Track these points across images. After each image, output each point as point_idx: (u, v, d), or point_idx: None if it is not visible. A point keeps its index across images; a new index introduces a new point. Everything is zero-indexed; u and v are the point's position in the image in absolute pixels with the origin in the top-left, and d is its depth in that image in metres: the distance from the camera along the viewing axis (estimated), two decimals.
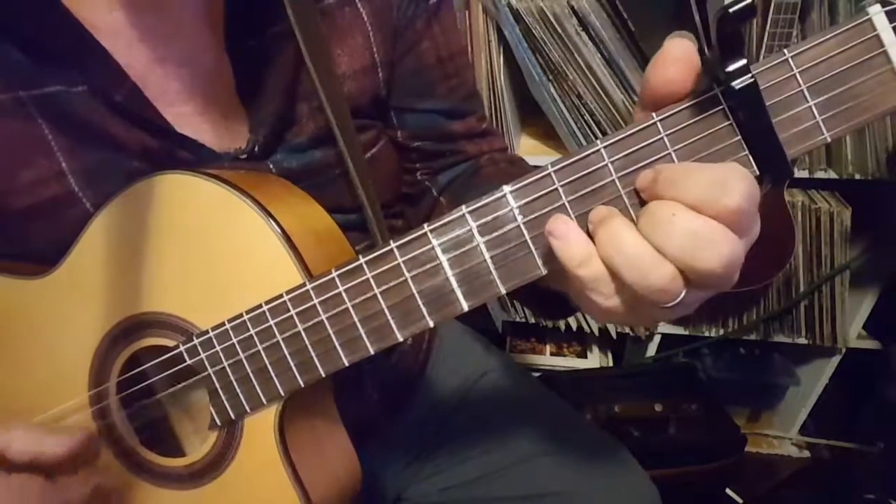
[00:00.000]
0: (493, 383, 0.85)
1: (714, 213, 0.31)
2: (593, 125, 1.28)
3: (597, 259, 0.35)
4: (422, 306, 0.41)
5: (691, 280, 0.33)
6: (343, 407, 0.55)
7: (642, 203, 0.35)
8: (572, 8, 1.18)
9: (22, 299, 0.53)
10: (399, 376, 0.77)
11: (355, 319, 0.42)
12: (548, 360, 1.75)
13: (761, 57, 1.16)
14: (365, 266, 0.41)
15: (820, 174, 1.30)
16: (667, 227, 0.32)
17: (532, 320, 1.65)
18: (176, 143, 0.51)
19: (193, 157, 0.52)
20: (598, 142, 0.35)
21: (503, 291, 0.39)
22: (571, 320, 1.61)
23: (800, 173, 1.31)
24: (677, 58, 0.33)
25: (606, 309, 0.37)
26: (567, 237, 0.35)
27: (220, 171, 0.47)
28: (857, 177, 1.28)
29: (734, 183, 0.31)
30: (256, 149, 0.54)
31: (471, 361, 0.87)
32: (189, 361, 0.48)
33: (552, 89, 1.27)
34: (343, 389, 0.54)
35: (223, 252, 0.47)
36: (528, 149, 1.42)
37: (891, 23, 0.30)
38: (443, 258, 0.39)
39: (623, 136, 0.35)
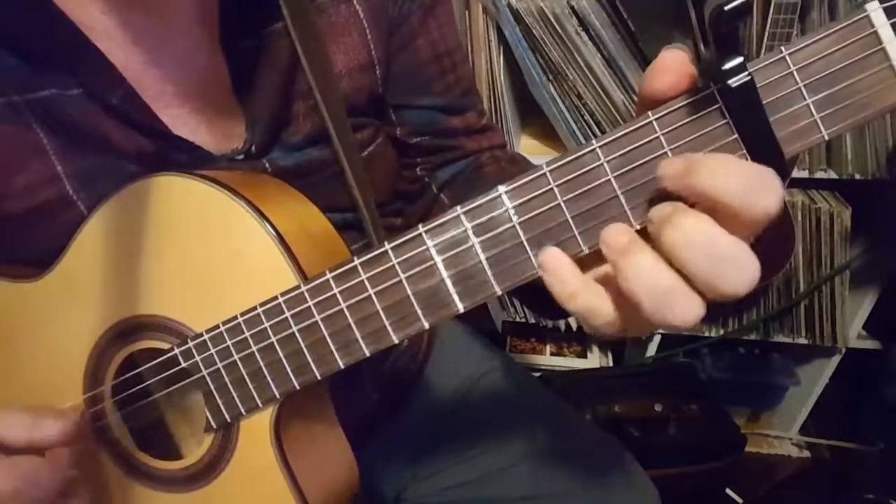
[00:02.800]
0: (492, 383, 0.84)
1: (751, 218, 0.31)
2: (593, 125, 1.28)
3: (585, 295, 0.35)
4: (417, 308, 0.40)
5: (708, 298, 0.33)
6: (342, 407, 0.55)
7: (640, 203, 0.35)
8: (572, 8, 1.18)
9: (16, 302, 0.52)
10: (398, 377, 0.77)
11: (350, 321, 0.42)
12: (548, 360, 1.75)
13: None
14: (359, 267, 0.41)
15: (820, 174, 1.30)
16: (696, 248, 0.31)
17: (532, 320, 1.65)
18: (172, 144, 0.51)
19: (189, 159, 0.52)
20: (594, 141, 0.35)
21: (499, 292, 0.39)
22: (571, 320, 1.61)
23: (800, 173, 1.31)
24: (672, 68, 0.33)
25: (600, 329, 0.36)
26: (558, 272, 0.35)
27: (214, 173, 0.47)
28: (857, 177, 1.28)
29: (774, 185, 0.31)
30: (253, 148, 0.54)
31: (470, 361, 0.86)
32: (183, 364, 0.48)
33: (552, 89, 1.27)
34: (342, 390, 0.54)
35: (217, 254, 0.46)
36: (528, 149, 1.42)
37: (889, 19, 0.30)
38: (438, 259, 0.39)
39: (618, 135, 0.34)
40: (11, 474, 0.45)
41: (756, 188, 0.30)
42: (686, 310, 0.32)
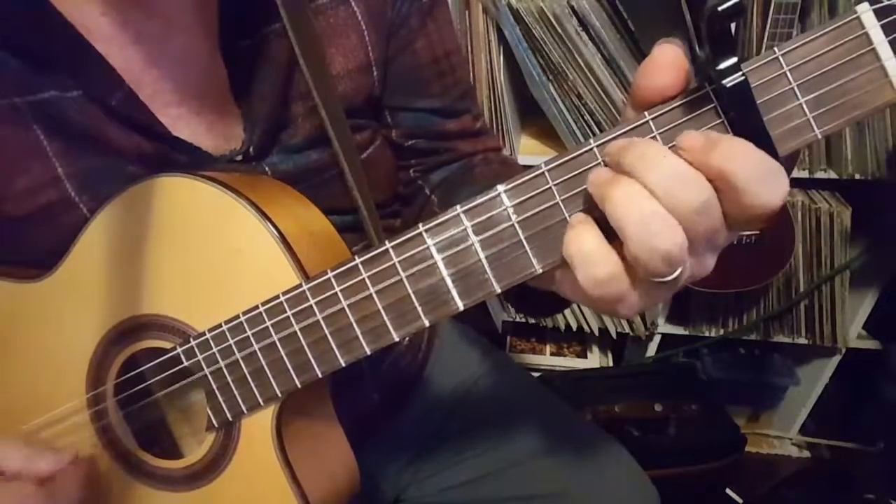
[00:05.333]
0: (492, 383, 0.85)
1: (753, 205, 0.31)
2: (593, 125, 1.28)
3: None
4: (417, 306, 0.41)
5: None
6: (343, 407, 0.55)
7: None
8: (572, 8, 1.18)
9: (19, 303, 0.53)
10: (398, 376, 0.77)
11: (351, 320, 0.42)
12: (548, 360, 1.75)
13: None
14: (360, 266, 0.41)
15: (820, 174, 1.31)
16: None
17: (532, 320, 1.65)
18: (171, 146, 0.51)
19: (189, 160, 0.52)
20: (591, 140, 0.35)
21: (498, 290, 0.39)
22: (571, 320, 1.61)
23: (800, 173, 1.31)
24: (666, 64, 0.33)
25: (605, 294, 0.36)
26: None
27: (217, 174, 0.47)
28: (857, 177, 1.28)
29: (783, 180, 0.31)
30: (251, 150, 0.54)
31: (470, 361, 0.87)
32: (186, 363, 0.48)
33: (552, 89, 1.27)
34: (343, 390, 0.54)
35: (220, 254, 0.47)
36: (528, 149, 1.42)
37: (879, 21, 0.30)
38: (437, 258, 0.39)
39: (615, 134, 0.35)
40: (8, 498, 0.46)
41: (765, 179, 0.31)
42: (670, 235, 0.32)
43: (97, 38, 0.47)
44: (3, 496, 0.46)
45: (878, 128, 1.23)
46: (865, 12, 0.30)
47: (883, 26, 0.30)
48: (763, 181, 0.31)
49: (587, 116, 1.28)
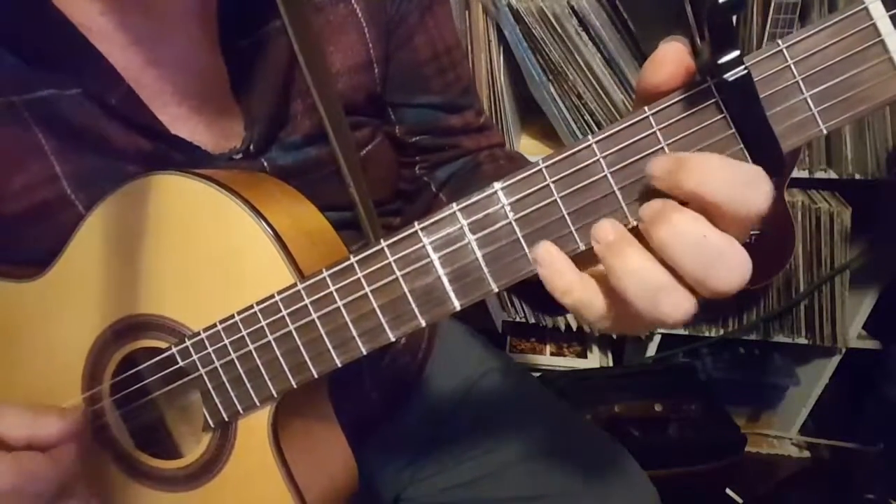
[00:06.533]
0: (492, 383, 0.84)
1: (738, 217, 0.31)
2: (593, 125, 1.28)
3: (579, 289, 0.35)
4: (413, 305, 0.40)
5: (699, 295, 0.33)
6: (342, 406, 0.55)
7: (637, 199, 0.35)
8: (572, 8, 1.18)
9: (14, 302, 0.52)
10: (398, 376, 0.77)
11: (347, 319, 0.42)
12: (548, 360, 1.75)
13: None
14: (356, 265, 0.40)
15: (820, 174, 1.30)
16: (686, 245, 0.32)
17: (532, 320, 1.65)
18: (170, 144, 0.51)
19: (188, 159, 0.52)
20: (590, 137, 0.35)
21: (495, 289, 0.38)
22: (571, 320, 1.61)
23: (800, 173, 1.31)
24: (670, 60, 0.33)
25: (595, 325, 0.37)
26: (552, 266, 0.35)
27: (212, 172, 0.47)
28: (857, 177, 1.28)
29: (763, 184, 0.31)
30: (251, 148, 0.54)
31: (470, 361, 0.86)
32: (181, 363, 0.48)
33: (552, 89, 1.27)
34: (342, 389, 0.54)
35: (215, 253, 0.46)
36: (529, 149, 1.42)
37: (887, 11, 0.29)
38: (434, 256, 0.39)
39: (614, 130, 0.34)
40: (11, 471, 0.45)
41: (743, 188, 0.30)
42: (677, 306, 0.33)
43: (97, 37, 0.47)
44: (13, 470, 0.45)
45: (878, 128, 1.23)
46: (873, 2, 0.29)
47: (891, 17, 0.29)
48: (740, 191, 0.30)
49: (587, 116, 1.28)
